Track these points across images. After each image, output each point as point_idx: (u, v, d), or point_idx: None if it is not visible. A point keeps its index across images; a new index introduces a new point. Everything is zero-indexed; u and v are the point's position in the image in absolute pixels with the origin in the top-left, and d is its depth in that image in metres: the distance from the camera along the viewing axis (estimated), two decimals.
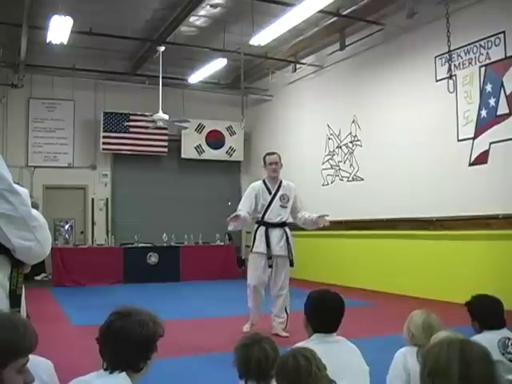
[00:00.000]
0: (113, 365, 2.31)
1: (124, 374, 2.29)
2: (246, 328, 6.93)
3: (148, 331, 2.35)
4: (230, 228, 7.05)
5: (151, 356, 2.38)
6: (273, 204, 7.06)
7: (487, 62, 9.22)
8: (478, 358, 1.77)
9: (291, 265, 7.04)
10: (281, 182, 7.19)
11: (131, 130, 14.94)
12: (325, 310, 3.18)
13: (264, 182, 7.20)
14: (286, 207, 7.06)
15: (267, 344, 2.70)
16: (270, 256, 6.93)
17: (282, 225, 7.06)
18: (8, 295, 1.91)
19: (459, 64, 9.67)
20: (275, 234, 7.00)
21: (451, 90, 9.13)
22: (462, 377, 1.71)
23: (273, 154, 7.31)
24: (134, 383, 2.31)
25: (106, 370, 2.31)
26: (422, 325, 3.22)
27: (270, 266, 6.94)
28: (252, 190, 7.14)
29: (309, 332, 3.19)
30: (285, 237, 7.02)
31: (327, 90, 13.30)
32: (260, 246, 6.99)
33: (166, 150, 15.58)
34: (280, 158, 7.22)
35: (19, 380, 1.63)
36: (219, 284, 12.64)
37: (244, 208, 6.99)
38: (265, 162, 7.23)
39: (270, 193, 7.10)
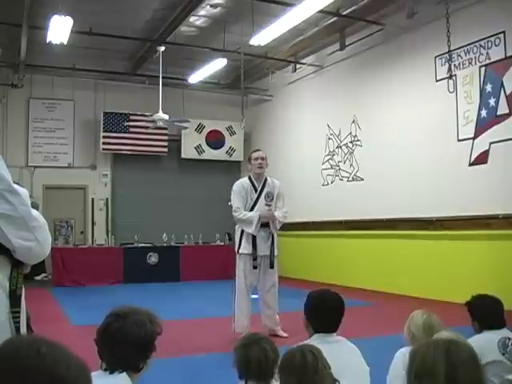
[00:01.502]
0: (112, 365, 2.30)
1: (124, 374, 2.29)
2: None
3: (146, 331, 2.35)
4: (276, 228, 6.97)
5: (150, 355, 2.38)
6: (258, 203, 6.91)
7: (487, 62, 9.22)
8: (465, 359, 1.75)
9: (271, 266, 6.88)
10: (266, 179, 7.04)
11: (131, 130, 14.94)
12: (325, 310, 3.17)
13: (250, 178, 7.05)
14: (270, 205, 6.90)
15: (266, 344, 2.68)
16: (255, 257, 6.81)
17: (268, 224, 6.90)
18: (8, 295, 1.90)
19: (459, 64, 9.67)
20: (262, 234, 6.85)
21: (451, 90, 9.13)
22: (448, 378, 1.70)
23: (259, 150, 7.30)
24: (134, 383, 2.31)
25: (105, 370, 2.31)
26: (423, 325, 3.21)
27: (255, 267, 6.83)
28: (240, 188, 6.97)
29: (309, 332, 3.19)
30: (271, 237, 6.92)
31: (327, 90, 13.30)
32: (247, 247, 6.84)
33: (166, 150, 15.59)
34: (266, 157, 7.12)
35: None
36: (219, 284, 12.58)
37: (242, 207, 6.87)
38: (250, 159, 7.11)
39: (256, 191, 6.96)
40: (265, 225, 6.88)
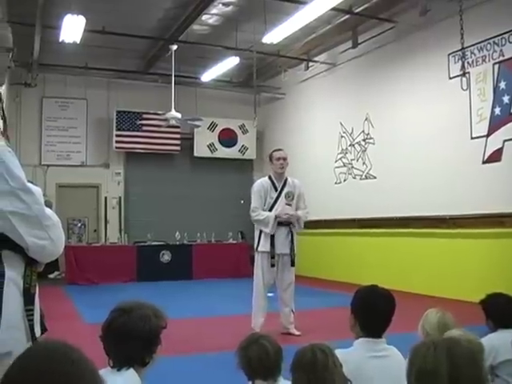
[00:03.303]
0: (119, 362, 2.31)
1: (132, 370, 2.29)
2: None
3: (151, 325, 2.35)
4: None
5: (156, 349, 2.38)
6: (278, 202, 6.91)
7: (501, 59, 9.16)
8: (467, 358, 1.74)
9: (292, 264, 6.92)
10: (286, 179, 7.06)
11: (144, 128, 14.99)
12: (372, 310, 3.02)
13: (270, 178, 7.06)
14: (290, 205, 6.91)
15: (265, 341, 2.68)
16: (273, 255, 6.82)
17: (287, 223, 6.92)
18: (22, 293, 1.92)
19: (472, 61, 9.61)
20: (281, 232, 6.87)
21: (464, 87, 9.06)
22: (451, 379, 1.68)
23: (280, 149, 7.26)
24: (141, 377, 2.32)
25: (113, 367, 2.31)
26: (438, 323, 3.19)
27: (273, 266, 6.84)
28: (260, 188, 6.99)
29: (356, 333, 3.02)
30: (290, 236, 6.93)
31: (340, 88, 13.27)
32: (266, 245, 6.87)
33: (178, 148, 15.61)
34: (287, 157, 7.10)
35: None
36: (231, 282, 12.63)
37: (260, 207, 6.88)
38: (271, 158, 7.11)
39: (276, 190, 6.98)
40: (284, 223, 6.89)
